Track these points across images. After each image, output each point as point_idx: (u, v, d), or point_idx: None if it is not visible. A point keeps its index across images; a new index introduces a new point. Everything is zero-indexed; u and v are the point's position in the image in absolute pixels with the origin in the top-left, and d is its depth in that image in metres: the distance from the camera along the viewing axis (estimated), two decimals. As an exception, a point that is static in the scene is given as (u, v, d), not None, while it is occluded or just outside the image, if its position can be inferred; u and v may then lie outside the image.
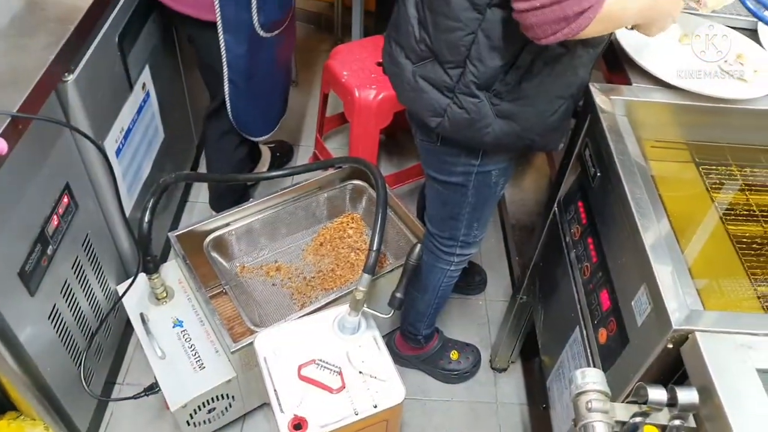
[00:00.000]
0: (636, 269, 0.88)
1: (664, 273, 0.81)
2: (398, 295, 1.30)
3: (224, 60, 1.49)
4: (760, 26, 1.27)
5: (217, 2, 1.38)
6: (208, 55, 1.52)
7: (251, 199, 1.68)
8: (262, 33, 1.48)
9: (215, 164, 1.81)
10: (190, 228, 1.56)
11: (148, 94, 1.56)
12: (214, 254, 1.59)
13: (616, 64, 1.20)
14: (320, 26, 2.89)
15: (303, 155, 2.28)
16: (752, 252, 0.99)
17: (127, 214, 1.45)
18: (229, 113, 1.61)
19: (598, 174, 1.07)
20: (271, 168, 2.09)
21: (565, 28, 0.77)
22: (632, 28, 0.99)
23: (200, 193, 2.09)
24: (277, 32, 1.53)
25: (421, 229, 1.55)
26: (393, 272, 1.51)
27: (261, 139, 1.76)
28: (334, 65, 1.86)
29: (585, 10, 0.75)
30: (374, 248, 1.28)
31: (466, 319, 1.87)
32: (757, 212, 1.06)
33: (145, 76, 1.54)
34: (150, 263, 1.40)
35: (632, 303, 0.88)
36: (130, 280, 1.40)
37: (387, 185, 1.57)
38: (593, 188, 1.09)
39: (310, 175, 1.71)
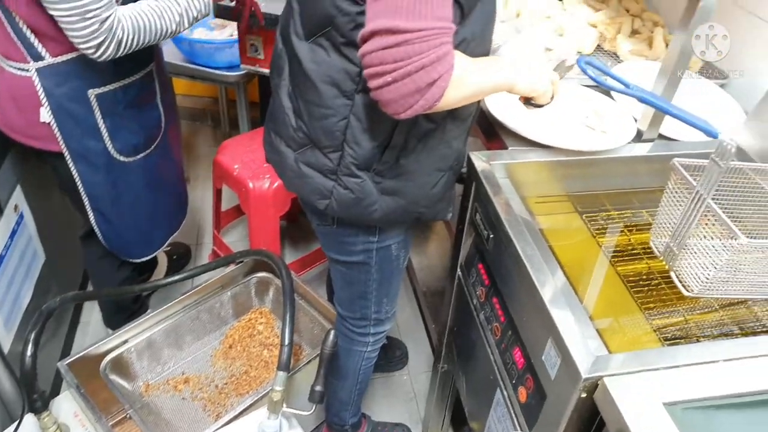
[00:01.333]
0: (540, 324, 0.90)
1: (566, 325, 0.84)
2: (318, 388, 1.24)
3: (82, 190, 1.41)
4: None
5: (59, 134, 1.31)
6: (65, 184, 1.43)
7: (149, 310, 1.58)
8: (122, 159, 1.42)
9: (99, 286, 1.70)
10: (83, 353, 1.43)
11: (21, 216, 1.46)
12: (114, 377, 1.46)
13: (492, 131, 1.28)
14: (207, 122, 2.89)
15: (202, 254, 2.21)
16: (642, 288, 1.05)
17: (7, 349, 1.31)
18: (101, 239, 1.53)
19: (491, 236, 1.10)
20: (168, 273, 1.99)
21: (420, 100, 0.78)
22: (525, 102, 1.05)
23: (93, 311, 1.95)
24: (144, 154, 1.47)
25: (335, 313, 1.52)
26: (310, 364, 1.46)
27: (145, 259, 1.67)
28: (223, 160, 1.84)
29: (435, 81, 0.77)
30: (286, 343, 1.23)
31: (393, 397, 1.83)
32: (640, 251, 1.13)
33: (17, 197, 1.44)
34: (37, 401, 1.25)
35: (543, 358, 0.89)
36: (14, 426, 1.25)
37: (293, 273, 1.54)
38: (489, 250, 1.13)
39: (212, 274, 1.64)
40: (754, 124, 1.25)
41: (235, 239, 2.25)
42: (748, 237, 0.86)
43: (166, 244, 1.70)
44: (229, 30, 2.07)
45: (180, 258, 2.11)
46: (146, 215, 1.58)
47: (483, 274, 1.17)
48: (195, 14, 1.30)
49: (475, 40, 0.92)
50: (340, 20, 0.89)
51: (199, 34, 2.04)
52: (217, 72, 2.01)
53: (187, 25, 1.30)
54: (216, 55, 1.98)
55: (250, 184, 1.74)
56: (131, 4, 1.21)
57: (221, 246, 2.06)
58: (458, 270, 1.31)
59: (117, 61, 1.22)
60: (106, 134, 1.36)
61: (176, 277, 1.59)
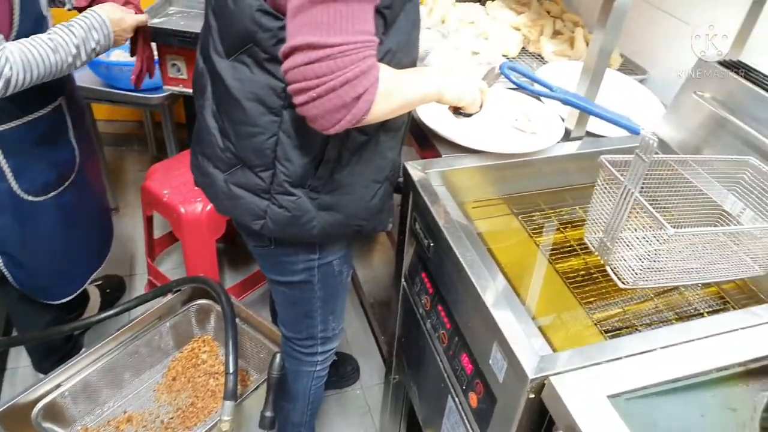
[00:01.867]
0: (485, 329, 0.90)
1: (509, 327, 0.84)
2: (268, 414, 1.21)
3: None
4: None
5: None
6: None
7: (83, 350, 1.49)
8: (31, 198, 1.34)
9: (24, 330, 1.60)
10: (11, 402, 1.33)
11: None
12: (47, 425, 1.37)
13: (425, 140, 1.28)
14: (133, 146, 2.78)
15: (137, 285, 2.11)
16: (580, 283, 1.08)
17: None
18: (13, 283, 1.44)
19: (432, 244, 1.10)
20: (101, 308, 1.89)
21: (347, 115, 0.78)
22: (455, 112, 1.05)
23: (20, 356, 1.82)
24: (56, 192, 1.39)
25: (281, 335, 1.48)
26: (258, 389, 1.41)
27: (67, 299, 1.57)
28: (152, 186, 1.77)
29: (361, 95, 0.77)
30: (231, 371, 1.19)
31: (347, 413, 1.80)
32: (576, 247, 1.15)
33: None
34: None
35: (490, 362, 0.89)
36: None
37: (233, 298, 1.49)
38: (430, 258, 1.12)
39: (148, 305, 1.58)
40: (672, 116, 1.31)
41: (171, 267, 2.17)
42: (676, 226, 0.89)
43: (94, 278, 1.61)
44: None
45: (114, 291, 2.01)
46: (63, 254, 1.49)
47: (427, 282, 1.16)
48: (93, 46, 1.24)
49: (401, 50, 0.92)
50: (262, 36, 0.87)
51: (117, 56, 1.96)
52: (139, 95, 1.93)
53: (85, 58, 1.24)
54: (137, 78, 1.91)
55: (182, 209, 1.68)
56: (23, 39, 1.14)
57: (157, 275, 1.98)
58: (402, 280, 1.31)
59: (19, 96, 1.15)
60: (10, 174, 1.27)
61: (110, 312, 1.51)
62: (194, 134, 1.09)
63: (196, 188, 1.70)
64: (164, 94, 1.92)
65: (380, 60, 0.86)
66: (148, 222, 1.92)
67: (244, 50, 0.90)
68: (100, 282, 1.97)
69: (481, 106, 1.05)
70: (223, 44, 0.93)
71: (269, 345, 1.56)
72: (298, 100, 0.78)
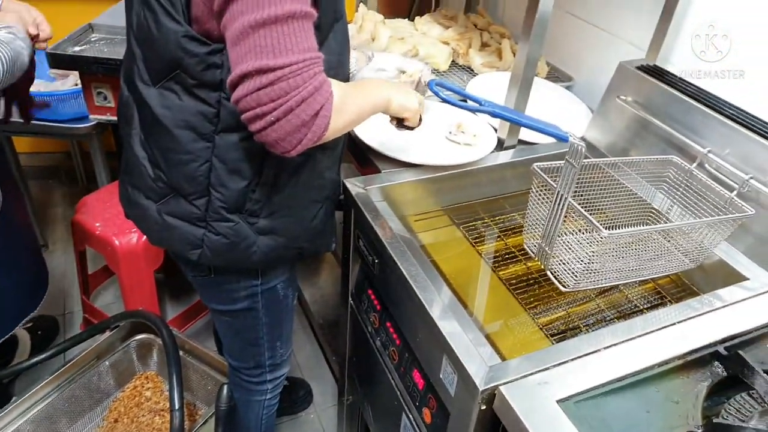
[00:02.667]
0: (434, 343, 0.90)
1: (457, 339, 0.84)
2: (217, 448, 1.16)
3: None
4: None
5: None
6: None
7: (14, 398, 1.40)
8: None
9: None
10: (-67, 463, 1.23)
11: None
12: (-24, 483, 1.28)
13: (363, 156, 1.28)
14: (61, 179, 2.66)
15: (73, 324, 2.01)
16: (524, 289, 1.09)
17: None
18: None
19: (376, 261, 1.09)
20: (33, 353, 1.78)
21: (308, 133, 0.77)
22: (398, 125, 1.05)
23: (-55, 410, 1.69)
24: None
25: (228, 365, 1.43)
26: (208, 423, 1.36)
27: None
28: (83, 219, 1.69)
29: (319, 111, 0.76)
30: (176, 407, 1.15)
31: (302, 438, 1.76)
32: (517, 253, 1.17)
33: None
34: None
35: (441, 376, 0.89)
36: None
37: (175, 330, 1.44)
38: (376, 275, 1.12)
39: (85, 344, 1.50)
40: (599, 121, 1.36)
41: (108, 302, 2.07)
42: (611, 226, 0.92)
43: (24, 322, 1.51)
44: (73, 79, 1.91)
45: (46, 333, 1.90)
46: None
47: (374, 299, 1.16)
48: None
49: (332, 69, 0.91)
50: (189, 62, 0.85)
51: (38, 86, 1.87)
52: (63, 126, 1.84)
53: None
54: (60, 108, 1.82)
55: (116, 242, 1.61)
56: None
57: (93, 312, 1.89)
58: (350, 298, 1.29)
59: None
60: None
61: (42, 356, 1.44)
62: (122, 165, 1.05)
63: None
64: (90, 123, 1.84)
65: None
66: (81, 257, 1.83)
67: (171, 77, 0.88)
68: (29, 324, 1.85)
69: (420, 120, 1.06)
70: (149, 72, 0.90)
71: (216, 376, 1.51)
72: (254, 126, 0.76)
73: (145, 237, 1.62)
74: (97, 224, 1.66)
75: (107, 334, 1.56)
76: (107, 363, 1.55)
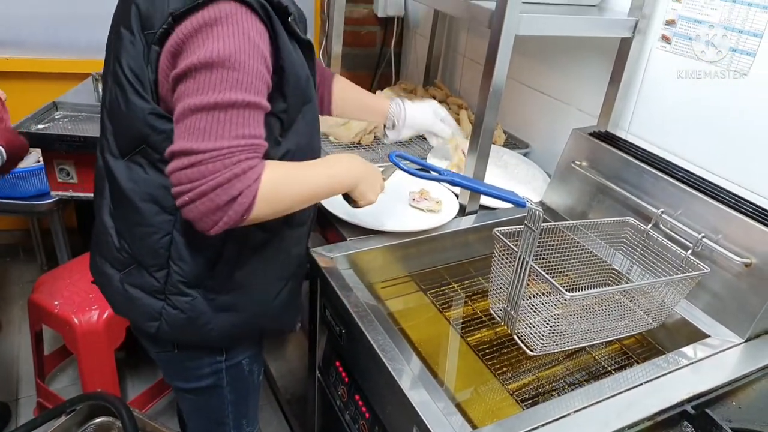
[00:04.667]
0: (404, 414, 0.88)
1: (427, 410, 0.82)
2: None
3: None
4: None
5: None
6: None
7: (-43, 496, 1.30)
8: None
9: None
10: None
11: None
12: None
13: (328, 224, 1.29)
14: (19, 257, 2.58)
15: (25, 410, 1.90)
16: (492, 354, 1.09)
17: None
18: None
19: (344, 331, 1.08)
20: (-19, 442, 1.68)
21: (224, 217, 0.78)
22: (350, 202, 1.06)
23: None
24: None
25: (190, 447, 1.36)
26: None
27: None
28: (40, 298, 1.64)
29: (236, 197, 0.78)
30: (134, 496, 1.07)
31: None
32: (484, 317, 1.17)
33: None
34: None
35: (412, 449, 0.87)
36: None
37: (136, 411, 1.37)
38: (344, 346, 1.10)
39: (39, 431, 1.41)
40: (557, 185, 1.40)
41: (65, 384, 1.97)
42: (574, 288, 0.93)
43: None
44: (35, 156, 1.90)
45: (-3, 420, 1.79)
46: None
47: (341, 371, 1.13)
48: None
49: (301, 150, 0.94)
50: (155, 138, 0.87)
51: (-2, 163, 1.85)
52: (23, 203, 1.82)
53: None
54: (20, 185, 1.80)
55: (75, 320, 1.56)
56: None
57: (48, 396, 1.79)
58: (317, 372, 1.26)
59: None
60: None
61: (-10, 447, 1.34)
62: (93, 234, 1.05)
63: (91, 296, 1.62)
64: (52, 200, 1.82)
65: (281, 159, 0.89)
66: (36, 338, 1.76)
67: (138, 151, 0.90)
68: (-21, 412, 1.75)
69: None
70: (117, 145, 0.92)
71: (180, 459, 1.44)
72: (178, 202, 0.79)
73: (106, 313, 1.58)
74: (56, 302, 1.61)
75: (63, 418, 1.47)
76: (62, 451, 1.45)
